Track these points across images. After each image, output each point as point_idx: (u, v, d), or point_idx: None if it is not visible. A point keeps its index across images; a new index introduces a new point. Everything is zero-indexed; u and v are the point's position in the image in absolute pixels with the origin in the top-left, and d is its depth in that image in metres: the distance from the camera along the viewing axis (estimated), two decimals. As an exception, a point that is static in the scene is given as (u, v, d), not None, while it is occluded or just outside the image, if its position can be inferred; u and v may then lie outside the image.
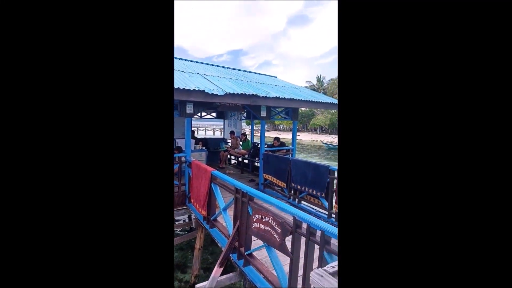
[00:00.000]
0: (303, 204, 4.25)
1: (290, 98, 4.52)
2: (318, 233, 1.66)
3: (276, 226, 1.97)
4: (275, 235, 1.97)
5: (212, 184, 3.11)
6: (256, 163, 6.25)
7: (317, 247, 1.66)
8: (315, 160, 15.88)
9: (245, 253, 2.42)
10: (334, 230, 1.57)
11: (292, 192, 4.40)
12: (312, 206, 4.12)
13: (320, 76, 45.98)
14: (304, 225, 1.78)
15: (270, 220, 2.03)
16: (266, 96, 4.17)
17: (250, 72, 7.89)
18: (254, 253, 2.43)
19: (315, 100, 5.05)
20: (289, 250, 1.87)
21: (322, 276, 0.84)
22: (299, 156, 16.45)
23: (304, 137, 33.95)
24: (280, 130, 41.38)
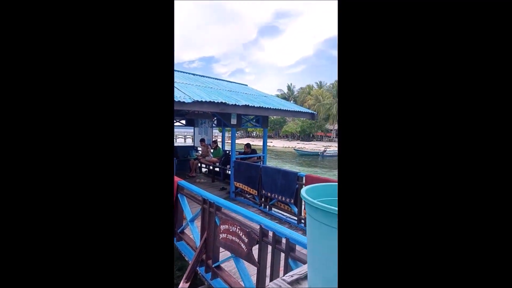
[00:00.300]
0: (274, 211, 4.27)
1: (260, 106, 4.58)
2: (284, 240, 1.67)
3: (243, 236, 1.94)
4: (242, 245, 1.94)
5: (178, 195, 2.99)
6: (227, 171, 6.17)
7: (283, 255, 1.66)
8: (287, 166, 16.24)
9: (213, 266, 2.34)
10: (299, 236, 1.59)
11: (263, 199, 4.40)
12: (282, 212, 4.15)
13: (291, 85, 47.72)
14: (271, 233, 1.78)
15: (237, 230, 1.99)
16: (235, 104, 4.17)
17: (220, 80, 7.87)
18: (222, 265, 2.36)
19: (284, 109, 5.18)
20: (256, 259, 1.85)
21: (280, 286, 0.83)
22: (272, 163, 16.69)
23: (276, 143, 34.54)
24: (253, 136, 41.69)
